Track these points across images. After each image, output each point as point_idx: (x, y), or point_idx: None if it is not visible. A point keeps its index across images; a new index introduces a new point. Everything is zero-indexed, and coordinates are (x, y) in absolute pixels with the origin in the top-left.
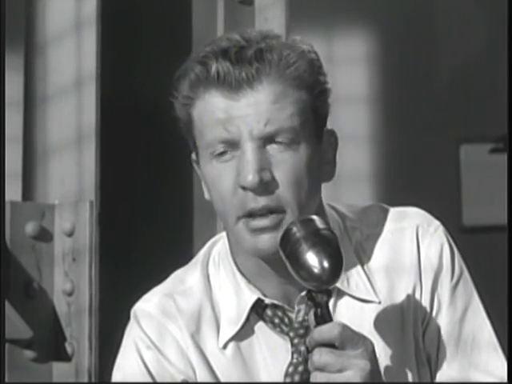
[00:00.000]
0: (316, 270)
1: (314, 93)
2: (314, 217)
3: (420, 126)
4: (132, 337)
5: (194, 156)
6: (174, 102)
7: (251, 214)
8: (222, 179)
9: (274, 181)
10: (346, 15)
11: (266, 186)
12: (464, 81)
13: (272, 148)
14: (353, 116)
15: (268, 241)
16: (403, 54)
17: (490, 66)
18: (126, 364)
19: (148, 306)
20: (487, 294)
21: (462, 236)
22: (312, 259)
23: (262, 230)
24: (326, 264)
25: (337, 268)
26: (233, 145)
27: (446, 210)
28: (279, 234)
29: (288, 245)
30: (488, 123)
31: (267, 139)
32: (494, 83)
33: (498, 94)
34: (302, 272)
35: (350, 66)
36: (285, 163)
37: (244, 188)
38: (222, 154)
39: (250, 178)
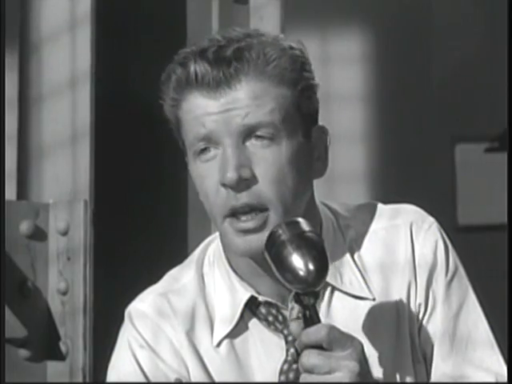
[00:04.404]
0: (301, 273)
1: (296, 89)
2: (300, 219)
3: (415, 125)
4: (126, 336)
5: (186, 158)
6: (163, 105)
7: (234, 213)
8: (205, 178)
9: (255, 178)
10: (341, 14)
11: (245, 183)
12: (459, 80)
13: (252, 145)
14: (348, 115)
15: (253, 242)
16: (398, 53)
17: (485, 65)
18: (119, 364)
19: (142, 306)
20: (482, 293)
21: (457, 235)
22: (297, 262)
23: (247, 231)
24: (311, 266)
25: (322, 270)
26: (213, 142)
27: (440, 209)
28: (265, 234)
29: (273, 247)
30: (483, 122)
31: (247, 134)
32: (489, 82)
33: (494, 93)
34: (287, 275)
35: (345, 65)
36: (266, 160)
37: (224, 185)
38: (203, 151)
39: (229, 175)
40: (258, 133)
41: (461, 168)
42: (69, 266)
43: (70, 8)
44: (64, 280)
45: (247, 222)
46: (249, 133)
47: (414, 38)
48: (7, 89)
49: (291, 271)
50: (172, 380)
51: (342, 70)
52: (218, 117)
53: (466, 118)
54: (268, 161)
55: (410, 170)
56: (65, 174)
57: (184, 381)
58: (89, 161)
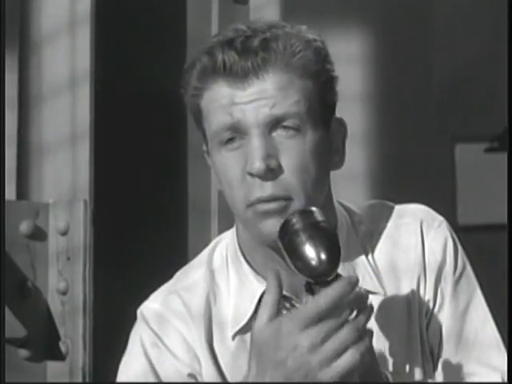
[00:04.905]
0: (313, 262)
1: (319, 81)
2: (314, 208)
3: (415, 124)
4: (138, 335)
5: (204, 147)
6: (184, 94)
7: (259, 202)
8: (230, 167)
9: (281, 168)
10: (340, 15)
11: (273, 172)
12: (459, 80)
13: (278, 135)
14: (347, 115)
15: (274, 225)
16: (398, 53)
17: (485, 65)
18: (131, 362)
19: (154, 305)
20: (482, 293)
21: (457, 235)
22: (309, 251)
23: (268, 214)
24: (323, 256)
25: (334, 260)
26: (240, 131)
27: (440, 208)
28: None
29: (286, 236)
30: (483, 122)
31: (273, 125)
32: (489, 82)
33: (494, 93)
34: (299, 264)
35: (344, 66)
36: (291, 150)
37: (251, 175)
38: (229, 141)
39: (257, 164)
40: (285, 123)
41: (461, 168)
42: (69, 265)
43: (70, 8)
44: (64, 280)
45: (269, 204)
46: (275, 123)
47: (414, 38)
48: (7, 89)
49: (303, 260)
50: (185, 375)
51: (342, 71)
52: (246, 107)
53: (465, 118)
54: (293, 151)
55: (410, 170)
56: (64, 174)
57: (197, 376)
58: (88, 160)
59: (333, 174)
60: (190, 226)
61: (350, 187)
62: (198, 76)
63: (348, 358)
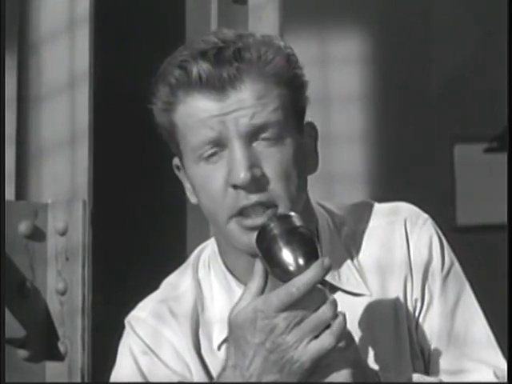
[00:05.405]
0: (291, 268)
1: (293, 87)
2: (292, 213)
3: (414, 125)
4: (127, 344)
5: (176, 161)
6: (152, 109)
7: (243, 212)
8: (211, 180)
9: (265, 176)
10: (339, 15)
11: (257, 182)
12: (458, 80)
13: (259, 144)
14: (347, 115)
15: None
16: (397, 53)
17: (484, 65)
18: (122, 372)
19: (142, 313)
20: (482, 293)
21: (456, 235)
22: (287, 257)
23: (256, 228)
24: (300, 261)
25: (312, 265)
26: (220, 144)
27: (439, 209)
28: None
29: (264, 242)
30: (482, 123)
31: (254, 135)
32: (488, 83)
33: (493, 93)
34: (276, 270)
35: (344, 66)
36: (273, 158)
37: (235, 186)
38: (211, 155)
39: (242, 175)
40: (265, 133)
41: (460, 168)
42: (67, 266)
43: (69, 8)
44: (63, 280)
45: (256, 219)
46: (256, 133)
47: (413, 38)
48: (6, 89)
49: (281, 266)
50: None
51: (341, 71)
52: (225, 118)
53: (465, 118)
54: (275, 159)
55: (409, 170)
56: (63, 174)
57: (187, 381)
58: (87, 161)
59: (333, 174)
60: (189, 227)
61: (349, 187)
62: (170, 90)
63: (324, 339)
